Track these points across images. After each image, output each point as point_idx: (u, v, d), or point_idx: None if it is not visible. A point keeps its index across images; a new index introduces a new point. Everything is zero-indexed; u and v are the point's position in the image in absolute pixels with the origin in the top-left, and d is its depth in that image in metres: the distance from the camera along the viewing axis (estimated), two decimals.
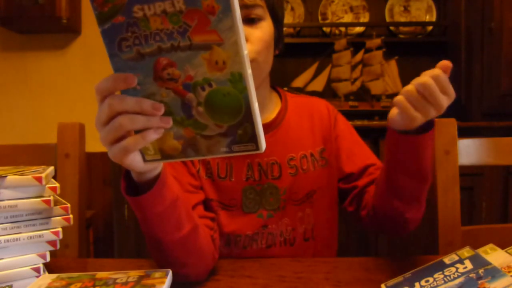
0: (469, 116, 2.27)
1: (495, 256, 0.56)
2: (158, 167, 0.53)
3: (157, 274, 0.53)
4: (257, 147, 0.45)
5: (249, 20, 0.71)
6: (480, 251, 0.59)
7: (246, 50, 0.42)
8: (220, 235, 0.77)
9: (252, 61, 0.69)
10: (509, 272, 0.52)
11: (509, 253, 0.56)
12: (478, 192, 2.05)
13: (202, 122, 0.45)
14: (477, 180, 2.04)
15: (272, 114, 0.83)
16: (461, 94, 2.38)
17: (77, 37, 2.29)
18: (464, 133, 0.93)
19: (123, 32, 0.41)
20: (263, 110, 0.81)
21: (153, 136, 0.45)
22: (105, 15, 0.41)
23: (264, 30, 0.72)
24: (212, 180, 0.77)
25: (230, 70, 0.42)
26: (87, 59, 2.29)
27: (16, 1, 1.98)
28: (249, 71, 0.42)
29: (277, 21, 0.77)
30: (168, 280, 0.52)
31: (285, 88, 2.31)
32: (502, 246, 0.58)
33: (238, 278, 0.67)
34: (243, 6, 0.68)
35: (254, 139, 0.45)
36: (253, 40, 0.70)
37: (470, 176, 2.01)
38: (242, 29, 0.40)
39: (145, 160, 0.49)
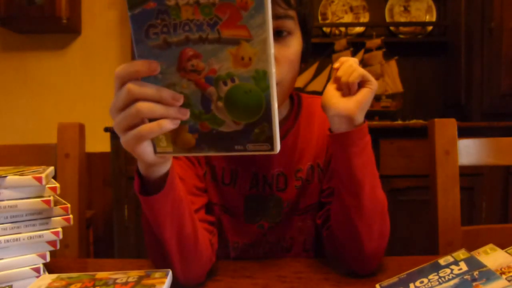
0: (469, 116, 2.27)
1: (495, 256, 0.56)
2: (167, 163, 0.53)
3: (157, 274, 0.53)
4: (272, 148, 0.45)
5: (278, 34, 0.65)
6: (480, 251, 0.59)
7: (273, 49, 0.41)
8: (220, 238, 0.77)
9: (277, 83, 0.64)
10: (509, 272, 0.52)
11: (509, 253, 0.56)
12: (478, 192, 2.06)
13: (220, 117, 0.45)
14: (477, 180, 2.04)
15: (282, 122, 0.78)
16: (461, 94, 2.38)
17: (77, 37, 2.29)
18: (464, 133, 0.93)
19: (153, 18, 0.41)
20: None
21: (169, 125, 0.44)
22: (137, 0, 0.41)
23: (292, 48, 0.67)
24: (216, 184, 0.77)
25: (255, 67, 0.42)
26: (87, 59, 2.29)
27: (16, 1, 1.98)
28: (273, 70, 0.42)
29: (306, 33, 0.71)
30: (168, 280, 0.52)
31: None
32: (502, 246, 0.58)
33: (239, 278, 0.67)
34: (274, 17, 0.62)
35: (270, 139, 0.44)
36: (282, 61, 0.65)
37: (470, 176, 2.01)
38: (271, 27, 0.40)
39: (156, 152, 0.48)
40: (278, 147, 0.45)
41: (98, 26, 2.30)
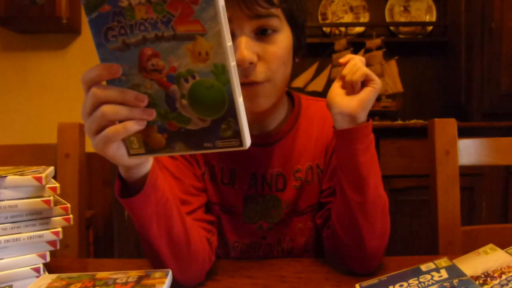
0: (469, 116, 2.28)
1: (495, 256, 0.56)
2: (146, 164, 0.53)
3: (157, 274, 0.53)
4: (241, 144, 0.44)
5: (262, 32, 0.64)
6: (480, 251, 0.59)
7: (230, 41, 0.41)
8: (220, 238, 0.77)
9: (267, 81, 0.65)
10: (509, 272, 0.52)
11: (509, 253, 0.56)
12: (478, 192, 2.06)
13: (185, 115, 0.44)
14: (477, 180, 2.05)
15: (281, 123, 0.78)
16: (461, 94, 2.38)
17: (77, 37, 2.29)
18: (464, 133, 0.93)
19: (109, 21, 0.41)
20: (273, 119, 0.77)
21: (134, 127, 0.44)
22: (92, 4, 0.41)
23: (279, 44, 0.65)
24: (215, 184, 0.76)
25: (213, 61, 0.41)
26: (87, 59, 2.29)
27: (16, 1, 1.98)
28: (232, 63, 0.42)
29: (297, 28, 0.70)
30: (168, 280, 0.52)
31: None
32: (502, 246, 0.58)
33: (239, 278, 0.67)
34: (255, 17, 0.62)
35: (237, 135, 0.44)
36: (268, 58, 0.64)
37: (470, 176, 2.01)
38: (225, 19, 0.40)
39: (129, 154, 0.48)
40: (247, 142, 0.44)
41: None
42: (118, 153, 0.47)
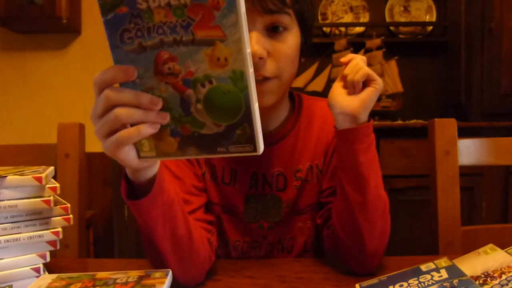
0: (469, 116, 2.28)
1: (495, 256, 0.56)
2: (154, 166, 0.52)
3: (157, 274, 0.53)
4: (255, 149, 0.44)
5: (273, 29, 0.64)
6: (480, 251, 0.59)
7: (249, 48, 0.41)
8: (220, 238, 0.77)
9: (274, 78, 0.65)
10: (509, 272, 0.52)
11: (509, 253, 0.56)
12: (478, 192, 2.06)
13: (200, 120, 0.44)
14: (477, 180, 2.05)
15: (283, 123, 0.78)
16: (461, 94, 2.38)
17: (77, 37, 2.28)
18: (464, 133, 0.93)
19: (126, 23, 0.41)
20: (275, 119, 0.77)
21: (148, 130, 0.44)
22: (109, 5, 0.41)
23: (289, 43, 0.66)
24: (216, 183, 0.76)
25: (232, 67, 0.41)
26: (87, 59, 2.29)
27: (16, 1, 1.98)
28: (251, 70, 0.41)
29: (305, 28, 0.70)
30: (168, 280, 0.52)
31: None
32: (502, 246, 0.58)
33: (239, 278, 0.67)
34: (267, 11, 0.62)
35: (252, 140, 0.44)
36: (277, 56, 0.65)
37: (470, 176, 2.01)
38: (246, 26, 0.40)
39: (139, 157, 0.48)
40: (261, 147, 0.44)
41: (98, 26, 2.30)
42: (128, 156, 0.47)
